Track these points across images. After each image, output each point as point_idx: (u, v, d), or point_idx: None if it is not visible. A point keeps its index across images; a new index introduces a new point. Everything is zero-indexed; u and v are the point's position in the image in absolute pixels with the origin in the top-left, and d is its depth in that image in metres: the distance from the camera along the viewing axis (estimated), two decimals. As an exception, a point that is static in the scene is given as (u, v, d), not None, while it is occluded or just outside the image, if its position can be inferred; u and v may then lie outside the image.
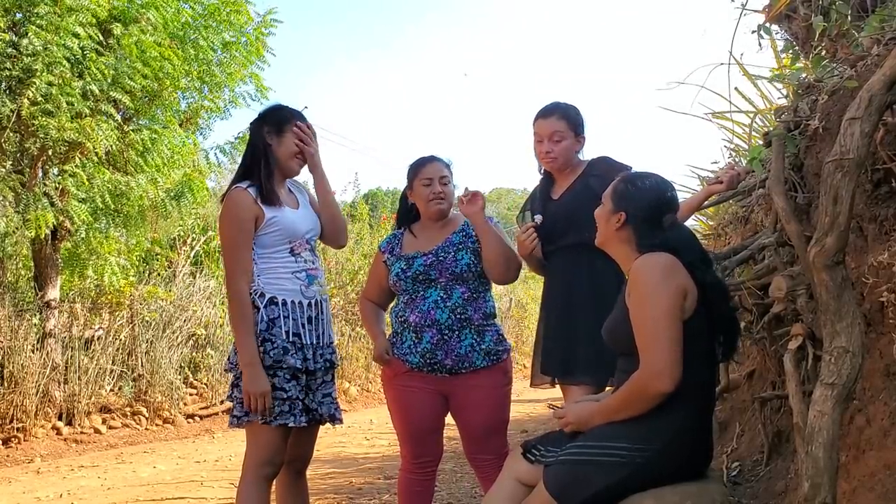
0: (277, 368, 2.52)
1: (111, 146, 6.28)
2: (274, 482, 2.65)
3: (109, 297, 7.36)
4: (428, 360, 2.79)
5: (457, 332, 2.79)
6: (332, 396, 2.70)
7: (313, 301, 2.64)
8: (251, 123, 2.75)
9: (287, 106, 2.78)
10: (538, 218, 2.82)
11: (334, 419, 2.69)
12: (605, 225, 2.24)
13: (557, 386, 2.86)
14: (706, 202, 2.90)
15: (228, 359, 2.65)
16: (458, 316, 2.79)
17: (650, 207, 2.14)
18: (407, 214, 3.02)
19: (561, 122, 2.82)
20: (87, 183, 6.35)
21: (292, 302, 2.58)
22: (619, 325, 2.11)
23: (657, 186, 2.20)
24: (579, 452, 2.04)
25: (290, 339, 2.55)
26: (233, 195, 2.60)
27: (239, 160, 2.92)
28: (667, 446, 1.99)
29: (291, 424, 2.51)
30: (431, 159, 2.95)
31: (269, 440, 2.52)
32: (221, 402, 7.81)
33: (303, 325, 2.59)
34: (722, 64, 3.31)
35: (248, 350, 2.49)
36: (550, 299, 2.87)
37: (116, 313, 7.43)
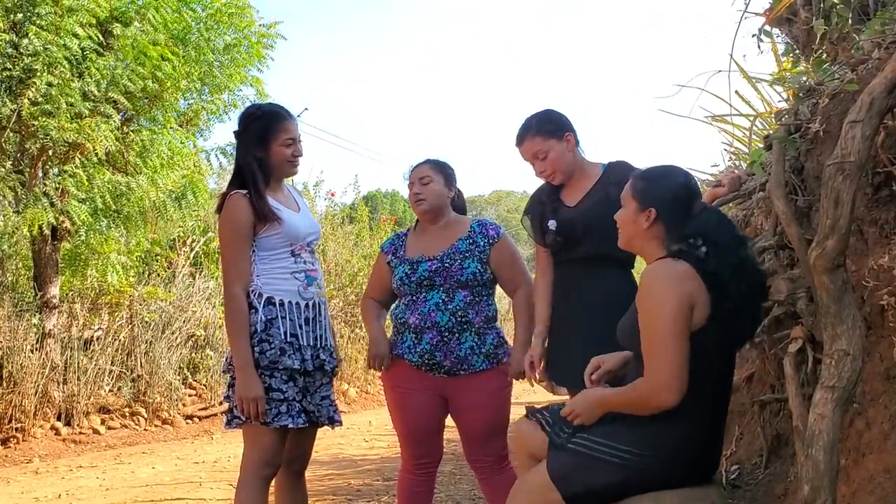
0: (274, 369, 2.51)
1: (111, 147, 6.28)
2: (272, 483, 2.64)
3: (109, 298, 7.36)
4: (426, 361, 2.79)
5: (457, 335, 2.78)
6: (331, 399, 2.69)
7: (311, 302, 2.63)
8: (234, 134, 2.70)
9: (262, 107, 2.70)
10: (552, 224, 2.75)
11: (333, 421, 2.68)
12: (632, 226, 2.17)
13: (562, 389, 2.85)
14: None
15: (226, 359, 2.64)
16: (459, 319, 2.78)
17: (678, 198, 2.10)
18: None
19: (535, 139, 2.73)
20: (86, 183, 6.35)
21: (289, 302, 2.57)
22: (631, 328, 2.10)
23: (679, 176, 2.16)
24: (586, 445, 2.06)
25: (288, 340, 2.54)
26: (232, 200, 2.58)
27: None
28: (670, 455, 1.99)
29: (290, 426, 2.50)
30: (419, 163, 2.96)
31: (267, 441, 2.51)
32: (220, 403, 7.80)
33: (300, 326, 2.58)
34: (721, 71, 3.32)
35: (242, 354, 2.48)
36: (562, 309, 2.80)
37: (116, 314, 7.42)
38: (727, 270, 1.98)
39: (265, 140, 2.62)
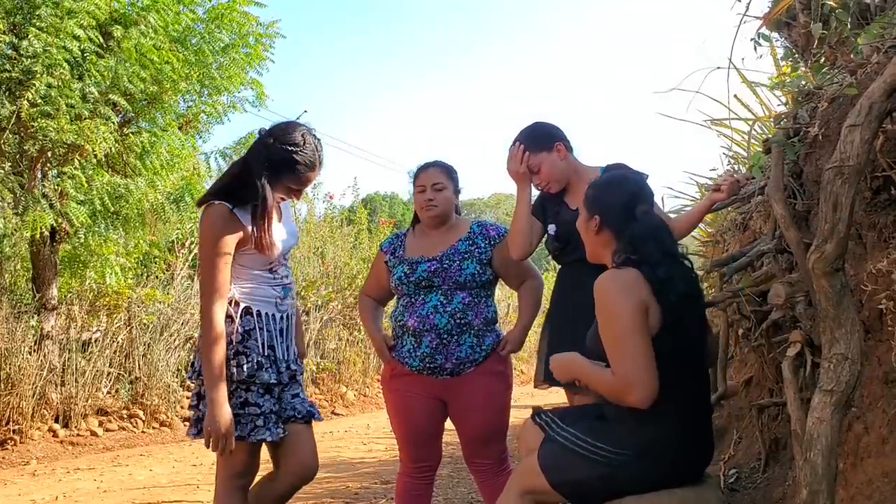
0: (251, 383, 2.43)
1: (110, 148, 6.28)
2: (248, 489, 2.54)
3: (107, 300, 7.35)
4: (427, 364, 2.79)
5: (456, 337, 2.78)
6: (301, 396, 2.59)
7: (285, 314, 2.57)
8: (258, 141, 2.49)
9: (309, 146, 2.47)
10: (552, 229, 2.78)
11: (312, 416, 2.58)
12: (585, 233, 2.28)
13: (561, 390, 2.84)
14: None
15: (192, 365, 2.49)
16: (458, 321, 2.78)
17: (621, 206, 2.17)
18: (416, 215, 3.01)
19: (525, 156, 2.76)
20: (86, 185, 6.35)
21: (266, 314, 2.50)
22: (597, 337, 2.13)
23: (623, 182, 2.24)
24: (571, 440, 2.13)
25: (265, 353, 2.46)
26: (216, 213, 2.40)
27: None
28: (641, 454, 2.04)
29: (269, 439, 2.43)
30: (427, 166, 2.94)
31: (242, 457, 2.43)
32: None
33: (276, 339, 2.51)
34: (720, 68, 3.33)
35: (215, 382, 2.32)
36: (562, 310, 2.80)
37: (114, 315, 7.41)
38: (657, 282, 2.03)
39: (280, 171, 2.45)
